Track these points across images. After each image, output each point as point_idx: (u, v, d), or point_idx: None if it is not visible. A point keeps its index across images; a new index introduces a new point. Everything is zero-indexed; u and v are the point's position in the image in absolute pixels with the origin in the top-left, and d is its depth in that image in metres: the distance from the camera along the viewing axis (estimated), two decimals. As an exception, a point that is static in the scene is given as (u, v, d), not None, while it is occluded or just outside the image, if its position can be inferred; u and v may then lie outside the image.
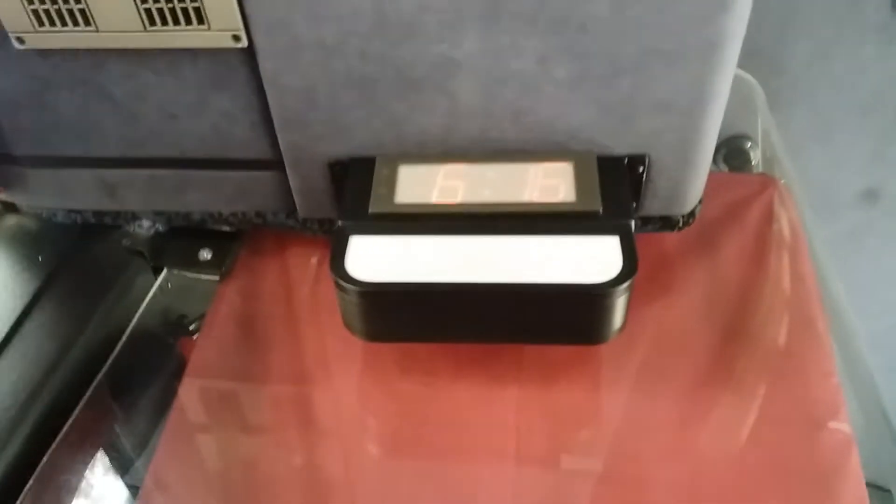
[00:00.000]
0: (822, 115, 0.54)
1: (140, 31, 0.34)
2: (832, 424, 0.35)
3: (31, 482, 0.36)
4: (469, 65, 0.34)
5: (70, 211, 0.45)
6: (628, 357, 0.39)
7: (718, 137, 0.38)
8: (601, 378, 0.39)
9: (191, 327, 0.46)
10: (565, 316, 0.36)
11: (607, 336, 0.36)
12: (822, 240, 0.45)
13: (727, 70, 0.34)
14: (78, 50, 0.35)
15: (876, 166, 0.56)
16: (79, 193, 0.44)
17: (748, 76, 0.49)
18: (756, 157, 0.51)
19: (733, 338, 0.39)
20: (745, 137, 0.51)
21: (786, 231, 0.45)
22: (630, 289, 0.34)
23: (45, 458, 0.36)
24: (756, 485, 0.34)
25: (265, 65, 0.35)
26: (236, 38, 0.33)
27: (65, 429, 0.38)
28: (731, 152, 0.52)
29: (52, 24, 0.34)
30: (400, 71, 0.34)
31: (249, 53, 0.34)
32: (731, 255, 0.44)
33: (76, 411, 0.39)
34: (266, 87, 0.35)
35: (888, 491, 0.37)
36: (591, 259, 0.34)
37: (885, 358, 0.42)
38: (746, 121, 0.51)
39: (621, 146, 0.37)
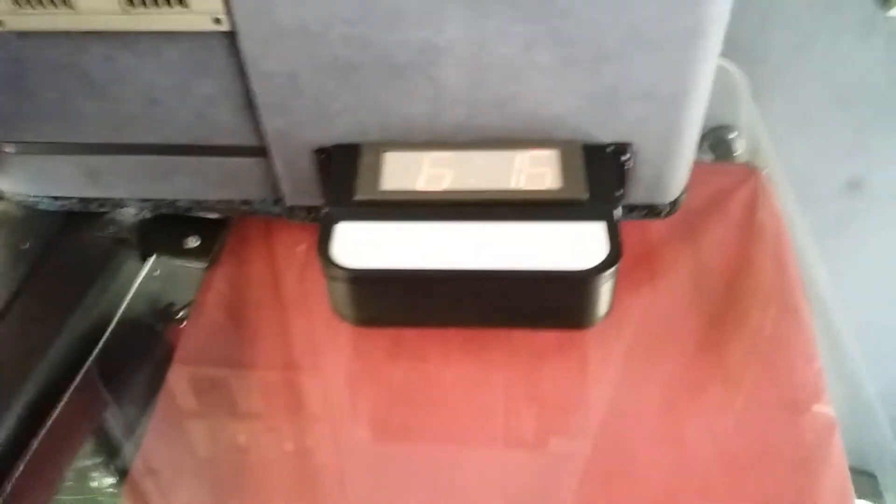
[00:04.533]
0: (804, 105, 0.54)
1: (119, 14, 0.33)
2: (815, 408, 0.36)
3: (20, 468, 0.35)
4: (453, 51, 0.34)
5: (55, 198, 0.45)
6: (614, 343, 0.40)
7: (702, 128, 0.38)
8: (588, 364, 0.40)
9: (178, 315, 0.45)
10: (552, 301, 0.36)
11: (593, 321, 0.36)
12: (806, 229, 0.46)
13: (710, 58, 0.34)
14: (57, 32, 0.35)
15: (857, 157, 0.57)
16: (62, 180, 0.43)
17: (732, 66, 0.49)
18: (740, 147, 0.52)
19: (717, 325, 0.40)
20: (729, 128, 0.52)
21: (769, 220, 0.46)
22: (615, 275, 0.34)
23: (33, 445, 0.36)
24: (740, 469, 0.34)
25: (247, 49, 0.34)
26: (217, 20, 0.33)
27: (53, 416, 0.38)
28: (715, 142, 0.52)
29: (31, 5, 0.33)
30: (384, 57, 0.34)
31: (231, 37, 0.34)
32: (715, 243, 0.44)
33: (64, 399, 0.39)
34: (248, 72, 0.35)
35: (874, 476, 0.38)
36: (576, 245, 0.34)
37: (868, 346, 0.43)
38: (730, 111, 0.51)
39: (606, 134, 0.37)
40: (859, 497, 0.33)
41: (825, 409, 0.36)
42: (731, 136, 0.52)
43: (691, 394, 0.37)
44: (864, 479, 0.37)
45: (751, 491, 0.33)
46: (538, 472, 0.35)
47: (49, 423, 0.37)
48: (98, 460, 0.39)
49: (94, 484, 0.38)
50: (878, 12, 0.49)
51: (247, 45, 0.34)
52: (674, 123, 0.36)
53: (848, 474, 0.34)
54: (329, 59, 0.34)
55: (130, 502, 0.35)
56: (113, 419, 0.41)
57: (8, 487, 0.35)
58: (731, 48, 0.37)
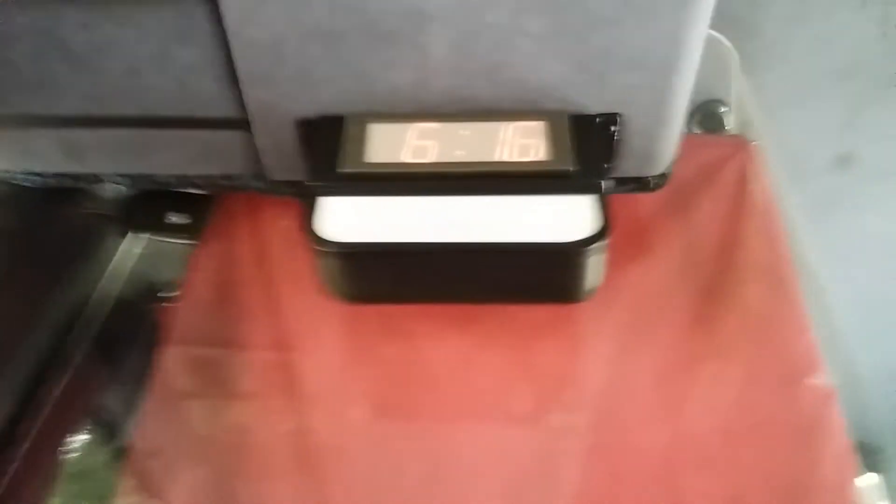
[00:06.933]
0: (796, 79, 0.54)
1: None
2: (811, 380, 0.36)
3: (10, 454, 0.35)
4: (441, 17, 0.33)
5: (31, 174, 0.44)
6: (607, 318, 0.39)
7: (692, 102, 0.38)
8: (582, 339, 0.40)
9: (167, 294, 0.45)
10: (541, 276, 0.36)
11: (583, 296, 0.36)
12: (795, 204, 0.46)
13: (701, 24, 0.33)
14: None
15: (849, 132, 0.57)
16: (40, 155, 0.42)
17: (723, 39, 0.48)
18: (730, 121, 0.51)
19: (708, 299, 0.40)
20: (720, 102, 0.51)
21: (759, 193, 0.45)
22: (605, 248, 0.34)
23: (22, 429, 0.36)
24: (739, 441, 0.34)
25: (229, 16, 0.33)
26: None
27: (41, 399, 0.37)
28: (706, 117, 0.52)
29: None
30: (370, 24, 0.33)
31: (213, 4, 0.33)
32: (704, 216, 0.44)
33: (52, 381, 0.38)
34: (230, 40, 0.34)
35: (877, 449, 0.38)
36: (565, 218, 0.34)
37: (857, 322, 0.43)
38: (721, 85, 0.50)
39: (595, 104, 0.36)
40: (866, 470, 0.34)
41: (821, 379, 0.36)
42: (722, 110, 0.51)
43: (686, 367, 0.37)
44: (868, 453, 0.37)
45: (750, 463, 0.33)
46: (537, 449, 0.35)
47: (36, 407, 0.37)
48: (91, 442, 0.38)
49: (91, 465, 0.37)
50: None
51: (229, 12, 0.33)
52: (663, 92, 0.36)
53: (849, 443, 0.34)
54: (313, 26, 0.33)
55: (132, 484, 0.35)
56: (103, 402, 0.40)
57: (4, 480, 0.34)
58: (723, 20, 0.37)
